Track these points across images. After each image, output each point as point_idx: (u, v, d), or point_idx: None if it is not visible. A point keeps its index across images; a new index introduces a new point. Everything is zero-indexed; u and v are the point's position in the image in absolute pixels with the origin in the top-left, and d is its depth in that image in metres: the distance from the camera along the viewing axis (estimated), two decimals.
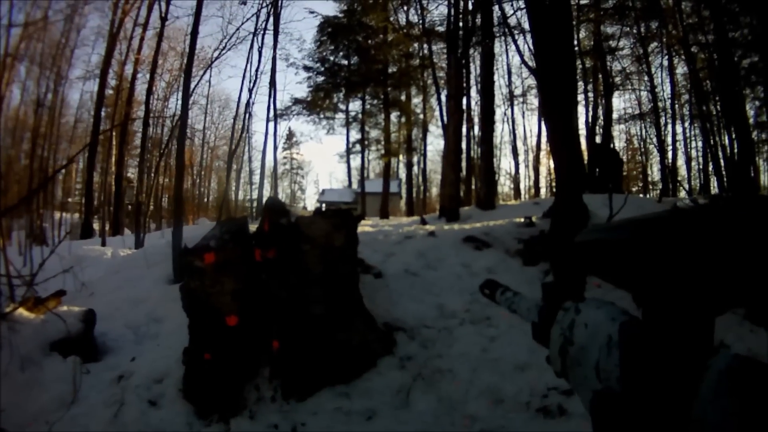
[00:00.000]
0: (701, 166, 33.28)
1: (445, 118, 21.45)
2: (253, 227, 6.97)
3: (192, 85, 13.99)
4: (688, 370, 0.63)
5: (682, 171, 34.77)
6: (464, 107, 22.90)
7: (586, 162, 20.33)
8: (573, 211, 10.28)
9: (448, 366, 6.41)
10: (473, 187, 29.24)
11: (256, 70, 22.35)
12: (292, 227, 6.46)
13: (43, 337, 6.81)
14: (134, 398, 5.99)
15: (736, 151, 23.00)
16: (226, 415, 5.72)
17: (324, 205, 33.66)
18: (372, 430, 5.51)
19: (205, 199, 56.31)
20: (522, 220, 12.26)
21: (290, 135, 58.37)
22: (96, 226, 31.92)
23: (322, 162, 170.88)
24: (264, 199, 29.25)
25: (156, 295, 9.44)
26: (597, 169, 19.52)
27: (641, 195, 31.10)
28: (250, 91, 21.62)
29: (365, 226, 12.92)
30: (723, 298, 0.66)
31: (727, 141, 26.32)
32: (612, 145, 28.67)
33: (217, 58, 24.53)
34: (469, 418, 5.56)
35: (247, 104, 22.50)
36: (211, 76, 31.60)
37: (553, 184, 41.49)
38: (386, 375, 6.27)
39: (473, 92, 30.19)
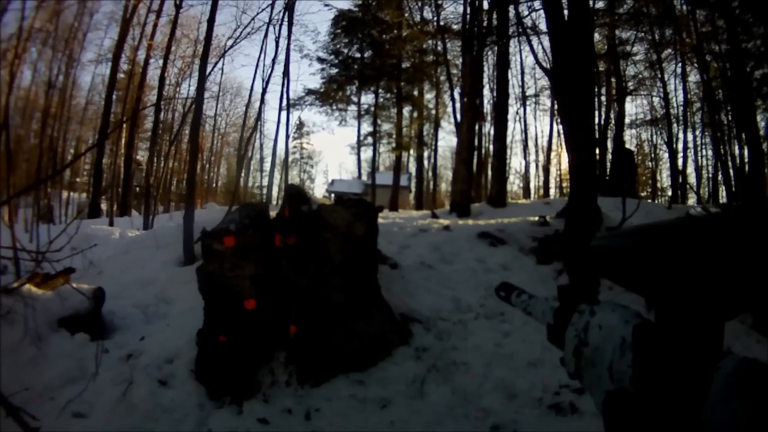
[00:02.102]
0: (711, 175, 33.27)
1: (458, 115, 21.46)
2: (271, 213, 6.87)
3: (207, 72, 13.93)
4: (698, 373, 0.66)
5: (692, 179, 34.76)
6: (478, 105, 22.81)
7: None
8: (587, 213, 10.24)
9: (463, 359, 6.37)
10: (483, 183, 29.20)
11: (273, 60, 22.31)
12: (313, 215, 6.40)
13: (50, 314, 6.72)
14: (144, 377, 5.90)
15: (746, 161, 22.88)
16: (239, 398, 5.65)
17: (333, 195, 33.61)
18: (386, 418, 5.47)
19: (214, 185, 56.43)
20: (536, 218, 12.25)
21: (301, 125, 58.28)
22: (103, 206, 31.94)
23: (333, 152, 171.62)
24: (274, 187, 29.30)
25: (165, 277, 9.39)
26: (614, 171, 19.42)
27: (650, 200, 30.96)
28: (266, 80, 21.44)
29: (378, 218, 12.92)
30: (732, 304, 0.68)
31: (737, 151, 26.24)
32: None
33: (231, 46, 24.46)
34: (482, 411, 5.51)
35: (262, 93, 22.30)
36: (224, 64, 31.48)
37: (564, 185, 41.71)
38: (401, 365, 6.23)
39: (486, 90, 30.14)
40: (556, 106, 31.69)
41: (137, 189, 37.70)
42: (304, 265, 6.22)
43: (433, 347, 6.60)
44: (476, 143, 25.17)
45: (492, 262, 9.32)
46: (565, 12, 11.72)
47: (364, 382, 5.91)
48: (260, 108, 25.16)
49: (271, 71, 21.50)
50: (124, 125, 29.50)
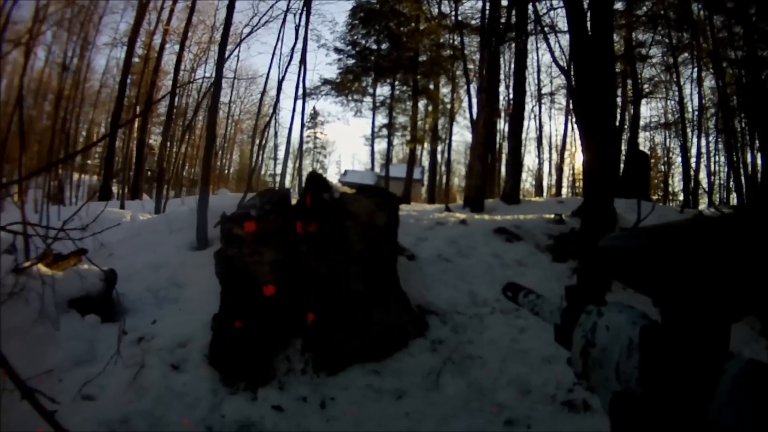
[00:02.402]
0: (723, 181, 33.24)
1: (474, 111, 21.38)
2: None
3: (224, 59, 13.95)
4: (704, 374, 0.65)
5: (704, 184, 34.63)
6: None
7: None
8: (603, 213, 10.36)
9: (478, 353, 6.43)
10: (496, 180, 29.15)
11: (292, 49, 22.17)
12: (335, 203, 6.36)
13: (62, 294, 6.65)
14: (156, 361, 5.85)
15: (758, 169, 22.82)
16: (254, 384, 5.61)
17: (345, 185, 33.68)
18: (401, 409, 5.48)
19: (226, 171, 56.49)
20: (552, 216, 12.27)
21: (315, 114, 58.30)
22: (114, 189, 31.95)
23: (346, 143, 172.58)
24: (287, 175, 29.29)
25: (177, 261, 9.34)
26: (627, 173, 19.35)
27: (662, 204, 30.87)
28: (285, 68, 21.39)
29: None
30: (740, 306, 0.67)
31: (749, 158, 26.19)
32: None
33: (248, 34, 24.40)
34: (497, 406, 5.56)
35: (280, 82, 22.26)
36: (239, 51, 31.43)
37: (577, 184, 41.59)
38: (417, 357, 6.26)
39: (501, 87, 30.04)
40: (572, 105, 31.56)
41: (149, 173, 37.74)
42: (324, 252, 6.18)
43: (449, 340, 6.63)
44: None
45: (508, 258, 9.39)
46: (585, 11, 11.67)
47: (379, 373, 5.92)
48: (277, 96, 25.18)
49: (290, 59, 21.36)
50: (137, 115, 29.55)
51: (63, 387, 5.34)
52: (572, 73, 14.37)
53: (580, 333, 0.92)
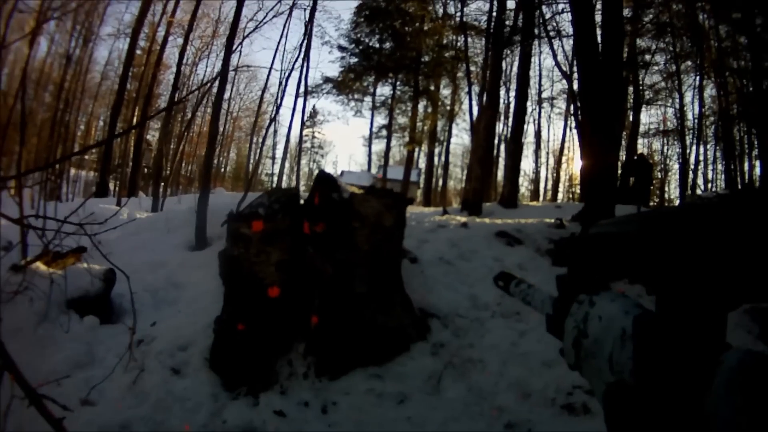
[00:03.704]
0: (719, 189, 33.32)
1: (475, 113, 21.43)
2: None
3: (231, 53, 13.98)
4: (700, 365, 0.64)
5: (700, 192, 34.78)
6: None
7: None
8: (603, 218, 10.29)
9: (479, 356, 6.42)
10: (493, 183, 29.20)
11: (300, 45, 22.07)
12: (344, 203, 6.31)
13: (60, 294, 6.61)
14: (156, 364, 5.82)
15: (756, 177, 23.00)
16: (256, 389, 5.58)
17: None
18: (403, 413, 5.48)
19: (223, 170, 56.33)
20: (552, 220, 12.33)
21: (314, 113, 58.25)
22: (111, 186, 31.91)
23: (343, 144, 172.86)
24: (284, 175, 29.22)
25: (176, 261, 9.32)
26: (631, 179, 19.39)
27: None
28: (291, 66, 21.40)
29: None
30: (735, 293, 0.68)
31: (747, 167, 26.32)
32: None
33: (255, 29, 24.33)
34: (497, 409, 5.57)
35: (285, 79, 22.28)
36: (242, 47, 31.40)
37: (573, 189, 41.70)
38: (419, 360, 6.27)
39: (501, 91, 30.09)
40: (572, 110, 31.65)
41: (146, 170, 37.69)
42: (330, 253, 6.15)
43: (451, 344, 6.65)
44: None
45: (509, 262, 9.39)
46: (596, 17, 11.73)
47: (381, 377, 5.93)
48: (282, 93, 25.16)
49: (298, 55, 21.40)
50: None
51: (62, 391, 5.27)
52: (575, 77, 14.44)
53: (572, 323, 0.91)
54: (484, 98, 19.14)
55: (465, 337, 6.81)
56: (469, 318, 7.24)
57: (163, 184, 25.61)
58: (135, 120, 31.59)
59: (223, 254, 6.19)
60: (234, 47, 15.38)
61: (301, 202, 6.68)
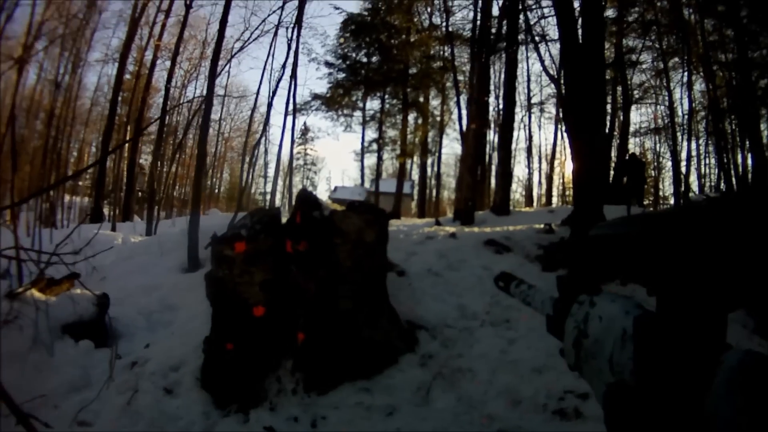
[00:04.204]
0: (713, 184, 33.38)
1: (464, 122, 21.44)
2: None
3: (216, 75, 14.00)
4: (701, 365, 0.64)
5: (695, 187, 34.78)
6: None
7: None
8: (593, 221, 10.22)
9: (468, 366, 6.43)
10: (486, 191, 29.21)
11: (284, 64, 22.13)
12: (325, 221, 6.39)
13: (55, 319, 6.73)
14: (149, 385, 5.87)
15: (749, 169, 22.97)
16: (246, 406, 5.64)
17: (335, 202, 33.55)
18: (392, 426, 5.49)
19: (216, 190, 56.27)
20: (542, 226, 12.36)
21: (305, 130, 58.27)
22: (106, 211, 31.92)
23: (336, 159, 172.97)
24: (277, 193, 29.23)
25: (169, 283, 9.40)
26: (624, 179, 19.44)
27: (652, 209, 30.91)
28: (276, 84, 21.43)
29: None
30: (736, 293, 0.67)
31: (740, 159, 26.31)
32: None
33: (240, 49, 24.37)
34: (487, 417, 5.57)
35: (272, 97, 22.31)
36: (230, 67, 31.44)
37: (567, 193, 41.71)
38: (407, 372, 6.27)
39: (491, 98, 30.11)
40: (561, 114, 31.66)
41: (140, 194, 37.71)
42: (313, 271, 6.21)
43: (439, 354, 6.65)
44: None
45: (497, 270, 8.88)
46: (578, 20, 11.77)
47: (370, 390, 5.93)
48: (267, 112, 25.20)
49: (282, 74, 21.38)
50: (126, 141, 29.55)
51: (59, 413, 5.40)
52: (562, 81, 14.47)
53: (572, 324, 0.91)
54: (473, 107, 19.13)
55: (454, 347, 6.84)
56: (457, 328, 7.28)
57: (156, 207, 25.60)
58: (126, 145, 31.58)
59: (208, 276, 6.26)
60: (219, 71, 15.41)
61: (284, 221, 6.75)
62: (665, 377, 0.67)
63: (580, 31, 11.78)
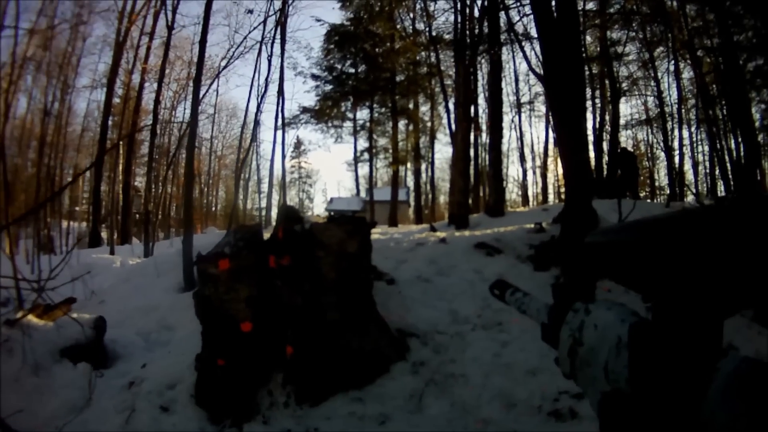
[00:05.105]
0: (708, 170, 33.29)
1: (453, 126, 21.44)
2: (265, 234, 6.95)
3: (200, 94, 14.07)
4: (696, 373, 0.64)
5: (689, 175, 34.71)
6: (472, 114, 22.86)
7: (592, 166, 20.35)
8: (582, 217, 10.32)
9: (461, 371, 6.43)
10: (481, 194, 29.21)
11: (266, 79, 22.23)
12: (307, 234, 6.47)
13: (53, 344, 6.82)
14: (146, 404, 5.96)
15: (742, 154, 22.95)
16: (239, 421, 5.71)
17: (332, 213, 33.52)
18: None
19: (213, 208, 56.27)
20: (532, 226, 12.32)
21: (298, 144, 58.18)
22: (104, 234, 31.95)
23: (330, 170, 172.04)
24: (273, 208, 29.29)
25: (167, 304, 9.47)
26: (618, 171, 19.48)
27: (648, 200, 30.91)
28: (260, 99, 21.55)
29: (375, 234, 12.96)
30: (732, 300, 0.67)
31: (733, 144, 26.29)
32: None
33: (225, 67, 24.53)
34: (481, 422, 5.56)
35: (256, 113, 22.44)
36: (218, 85, 31.51)
37: (562, 190, 41.61)
38: (399, 380, 6.28)
39: (480, 99, 30.08)
40: (550, 111, 31.63)
41: (137, 216, 37.76)
42: (299, 285, 6.27)
43: (431, 361, 6.65)
44: (473, 153, 25.14)
45: (489, 272, 9.36)
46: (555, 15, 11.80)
47: (362, 399, 5.96)
48: (254, 128, 25.25)
49: (265, 90, 21.56)
50: (121, 146, 29.54)
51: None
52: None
53: (567, 331, 0.91)
54: (459, 110, 19.11)
55: (446, 353, 6.85)
56: (449, 333, 7.29)
57: (153, 228, 25.64)
58: (121, 169, 31.65)
59: (196, 295, 6.34)
60: (205, 90, 15.50)
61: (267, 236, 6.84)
62: (661, 385, 0.68)
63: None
